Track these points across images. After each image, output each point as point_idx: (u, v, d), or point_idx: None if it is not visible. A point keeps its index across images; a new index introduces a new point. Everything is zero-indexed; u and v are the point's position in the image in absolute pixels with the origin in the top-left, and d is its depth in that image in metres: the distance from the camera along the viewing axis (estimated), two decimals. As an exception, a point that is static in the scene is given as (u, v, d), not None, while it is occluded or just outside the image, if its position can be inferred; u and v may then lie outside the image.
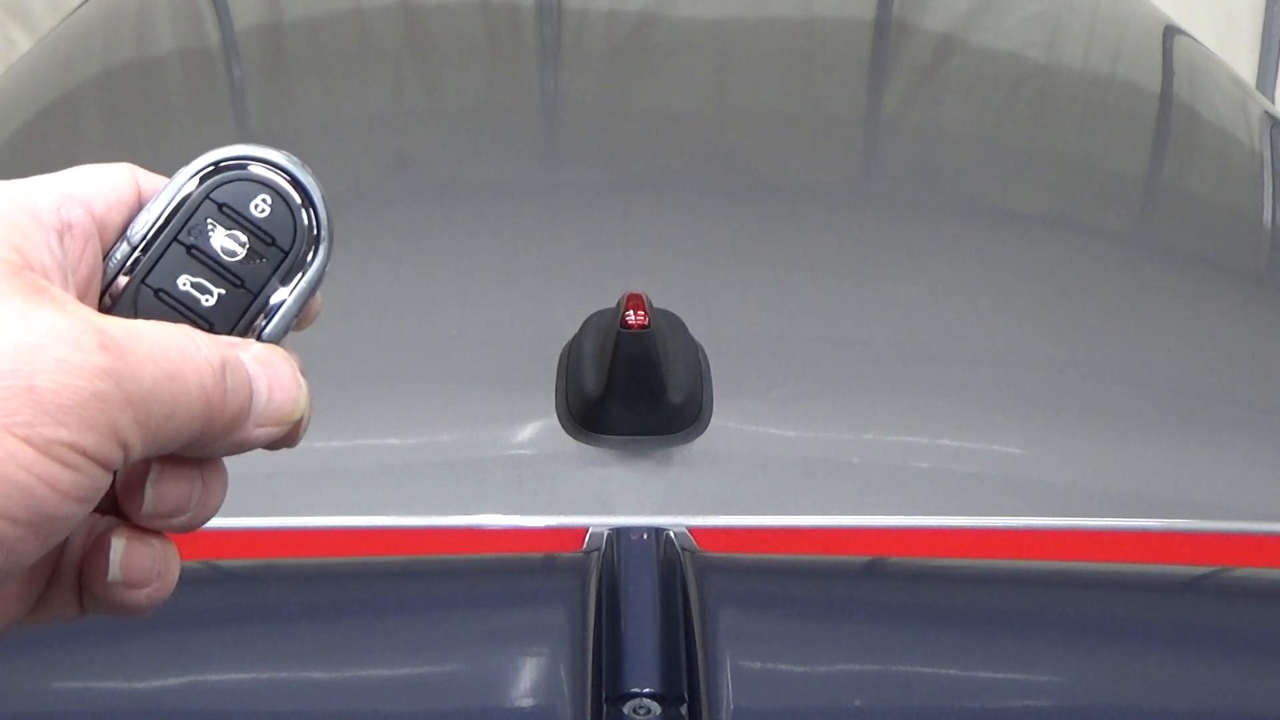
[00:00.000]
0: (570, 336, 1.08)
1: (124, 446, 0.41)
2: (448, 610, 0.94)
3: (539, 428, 1.06)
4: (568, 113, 1.69)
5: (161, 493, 0.44)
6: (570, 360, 1.06)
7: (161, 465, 0.44)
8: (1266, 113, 1.75)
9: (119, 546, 0.45)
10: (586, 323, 1.07)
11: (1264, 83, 4.01)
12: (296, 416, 0.46)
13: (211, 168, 0.47)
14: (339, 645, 0.88)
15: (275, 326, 0.47)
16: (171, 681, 0.86)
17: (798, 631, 0.91)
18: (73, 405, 0.40)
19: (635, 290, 1.03)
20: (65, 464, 0.40)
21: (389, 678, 0.86)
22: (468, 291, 1.24)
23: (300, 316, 0.47)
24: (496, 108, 1.65)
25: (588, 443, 1.02)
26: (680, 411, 1.02)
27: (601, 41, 1.83)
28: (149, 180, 0.47)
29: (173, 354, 0.42)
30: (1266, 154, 1.69)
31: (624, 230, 1.35)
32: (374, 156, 1.48)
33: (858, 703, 0.83)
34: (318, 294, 0.48)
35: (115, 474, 0.42)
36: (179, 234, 0.46)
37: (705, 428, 1.03)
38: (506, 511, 1.01)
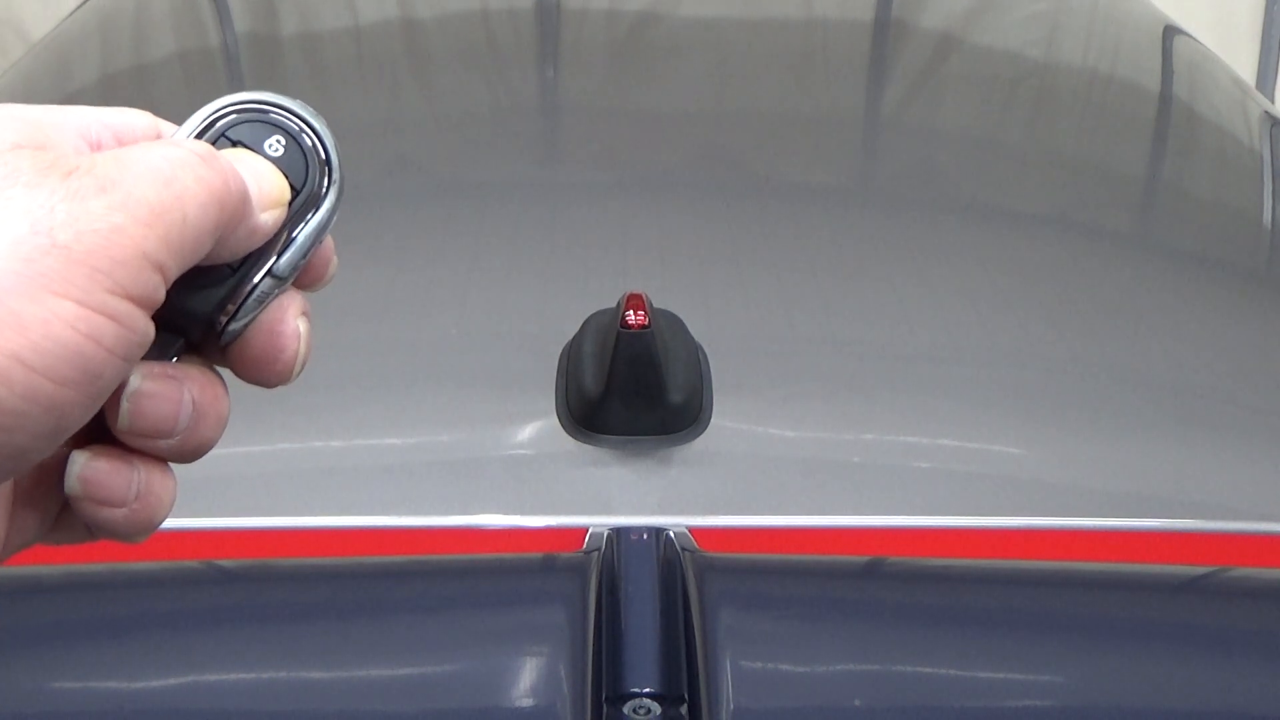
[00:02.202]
0: (570, 336, 1.08)
1: (160, 269, 0.42)
2: (448, 610, 0.94)
3: (539, 427, 1.06)
4: (568, 113, 1.69)
5: (139, 407, 0.44)
6: (570, 360, 1.06)
7: (143, 377, 0.44)
8: (1266, 113, 1.75)
9: (79, 459, 0.44)
10: (586, 323, 1.07)
11: (1264, 83, 4.01)
12: (287, 197, 0.47)
13: (227, 109, 0.48)
14: (339, 645, 0.88)
15: (287, 260, 0.47)
16: (171, 681, 0.86)
17: (798, 631, 0.91)
18: (98, 247, 0.40)
19: (635, 290, 1.03)
20: (109, 314, 0.40)
21: (389, 678, 0.86)
22: (468, 291, 1.24)
23: (310, 255, 0.48)
24: (496, 108, 1.65)
25: (588, 443, 1.02)
26: (680, 411, 1.02)
27: (601, 41, 1.83)
28: (168, 129, 0.49)
29: (161, 164, 0.43)
30: (1266, 154, 1.69)
31: (624, 230, 1.35)
32: (374, 157, 1.48)
33: (858, 703, 0.83)
34: (332, 252, 0.50)
35: (155, 323, 0.43)
36: None
37: (705, 428, 1.03)
38: (506, 511, 1.01)
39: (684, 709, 0.80)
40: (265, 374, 0.48)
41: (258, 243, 0.46)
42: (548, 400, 1.05)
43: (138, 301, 0.41)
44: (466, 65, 1.74)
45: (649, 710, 0.80)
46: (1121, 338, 1.25)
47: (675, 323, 1.06)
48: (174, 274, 0.43)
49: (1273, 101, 3.76)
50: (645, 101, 1.66)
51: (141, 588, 0.93)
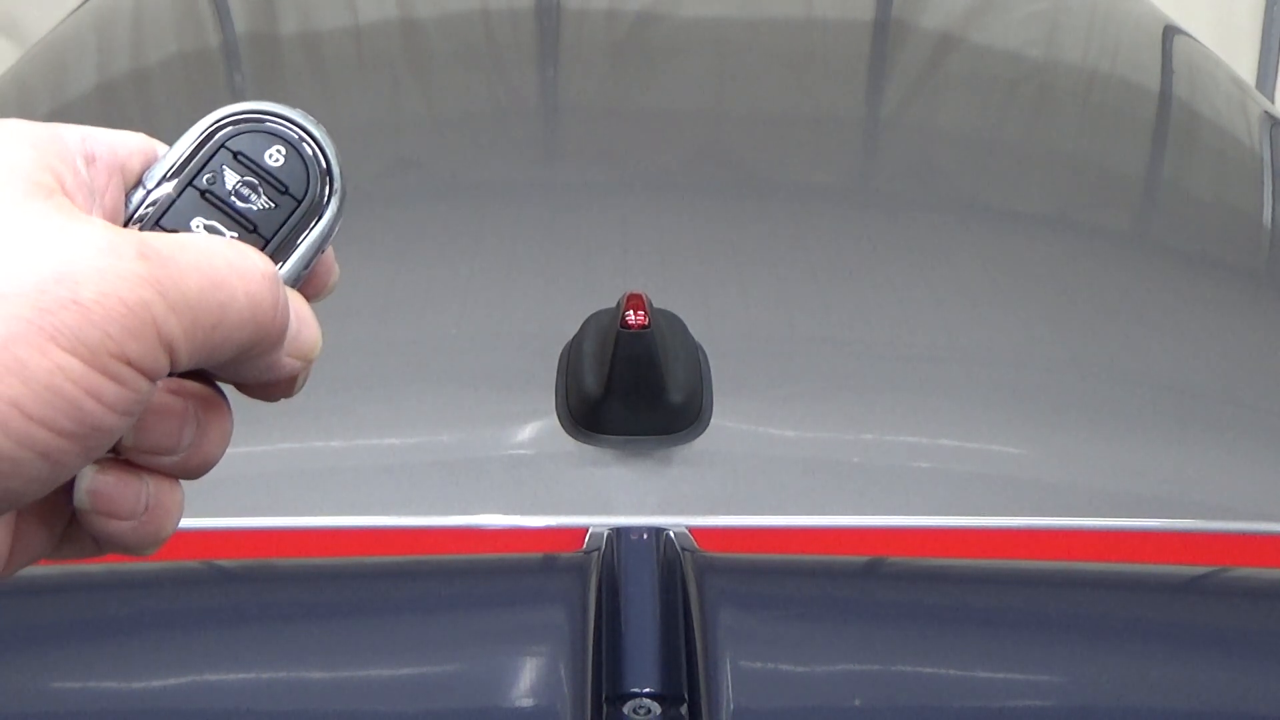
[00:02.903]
0: (570, 336, 1.08)
1: (170, 353, 0.42)
2: (448, 610, 0.94)
3: (539, 428, 1.06)
4: (568, 113, 1.69)
5: (144, 423, 0.44)
6: (570, 360, 1.06)
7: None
8: (1266, 113, 1.75)
9: (88, 473, 0.44)
10: (586, 323, 1.07)
11: (1264, 83, 4.01)
12: (316, 354, 0.47)
13: (226, 120, 0.48)
14: (339, 645, 0.88)
15: (289, 270, 0.47)
16: (171, 681, 0.86)
17: (798, 631, 0.91)
18: (116, 314, 0.40)
19: (635, 290, 1.03)
20: (111, 376, 0.40)
21: (389, 678, 0.86)
22: (468, 291, 1.24)
23: (311, 266, 0.48)
24: (496, 108, 1.65)
25: (588, 443, 1.02)
26: (680, 411, 1.02)
27: (601, 41, 1.83)
28: (164, 149, 0.48)
29: (218, 263, 0.43)
30: (1266, 154, 1.69)
31: (624, 230, 1.35)
32: (374, 157, 1.48)
33: (858, 703, 0.83)
34: (334, 261, 0.49)
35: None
36: (194, 179, 0.47)
37: (705, 428, 1.03)
38: (506, 511, 1.01)
39: (684, 709, 0.80)
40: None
41: (271, 378, 0.46)
42: (548, 400, 1.05)
43: (141, 371, 0.41)
44: (466, 65, 1.74)
45: (649, 710, 0.80)
46: (1121, 338, 1.25)
47: (675, 323, 1.06)
48: (184, 365, 0.42)
49: (1273, 101, 3.76)
50: (645, 101, 1.66)
51: (141, 588, 0.93)
